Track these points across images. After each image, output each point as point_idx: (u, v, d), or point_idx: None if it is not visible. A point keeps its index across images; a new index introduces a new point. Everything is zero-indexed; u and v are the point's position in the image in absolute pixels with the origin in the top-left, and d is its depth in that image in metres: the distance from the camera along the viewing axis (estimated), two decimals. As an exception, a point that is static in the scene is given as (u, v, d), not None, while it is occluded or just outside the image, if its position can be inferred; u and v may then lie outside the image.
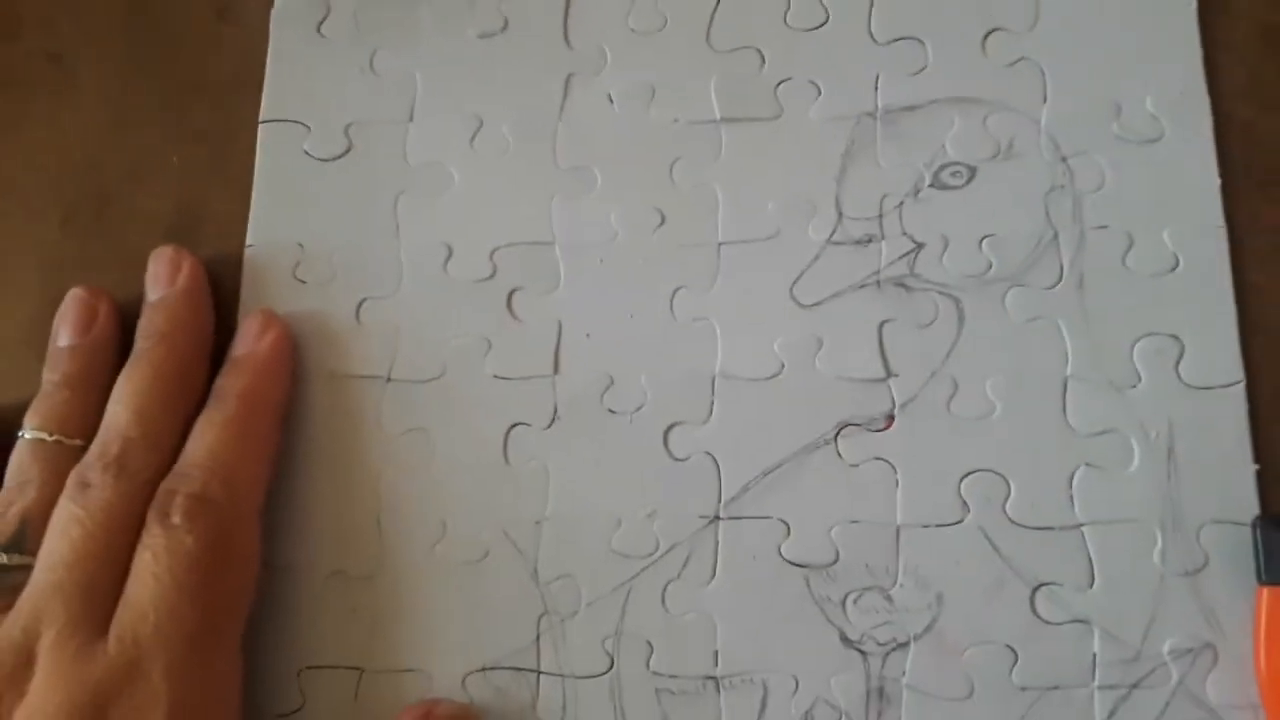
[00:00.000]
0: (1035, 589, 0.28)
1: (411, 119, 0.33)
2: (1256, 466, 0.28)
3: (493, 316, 0.31)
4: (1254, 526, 0.28)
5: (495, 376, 0.30)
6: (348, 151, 0.33)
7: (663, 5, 0.33)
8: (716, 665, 0.28)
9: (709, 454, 0.29)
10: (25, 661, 0.25)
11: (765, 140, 0.32)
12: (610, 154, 0.32)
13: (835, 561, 0.28)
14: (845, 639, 0.28)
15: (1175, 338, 0.29)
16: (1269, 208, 0.30)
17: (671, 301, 0.31)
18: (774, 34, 0.32)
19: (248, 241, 0.32)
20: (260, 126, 0.33)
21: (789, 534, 0.29)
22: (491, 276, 0.31)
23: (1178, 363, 0.29)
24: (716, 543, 0.29)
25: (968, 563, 0.28)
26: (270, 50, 0.34)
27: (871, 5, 0.32)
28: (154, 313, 0.30)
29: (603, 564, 0.29)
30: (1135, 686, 0.27)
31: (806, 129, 0.32)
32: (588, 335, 0.31)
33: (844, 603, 0.28)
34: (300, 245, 0.32)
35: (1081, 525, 0.28)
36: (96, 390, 0.29)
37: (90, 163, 0.34)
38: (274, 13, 0.34)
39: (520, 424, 0.30)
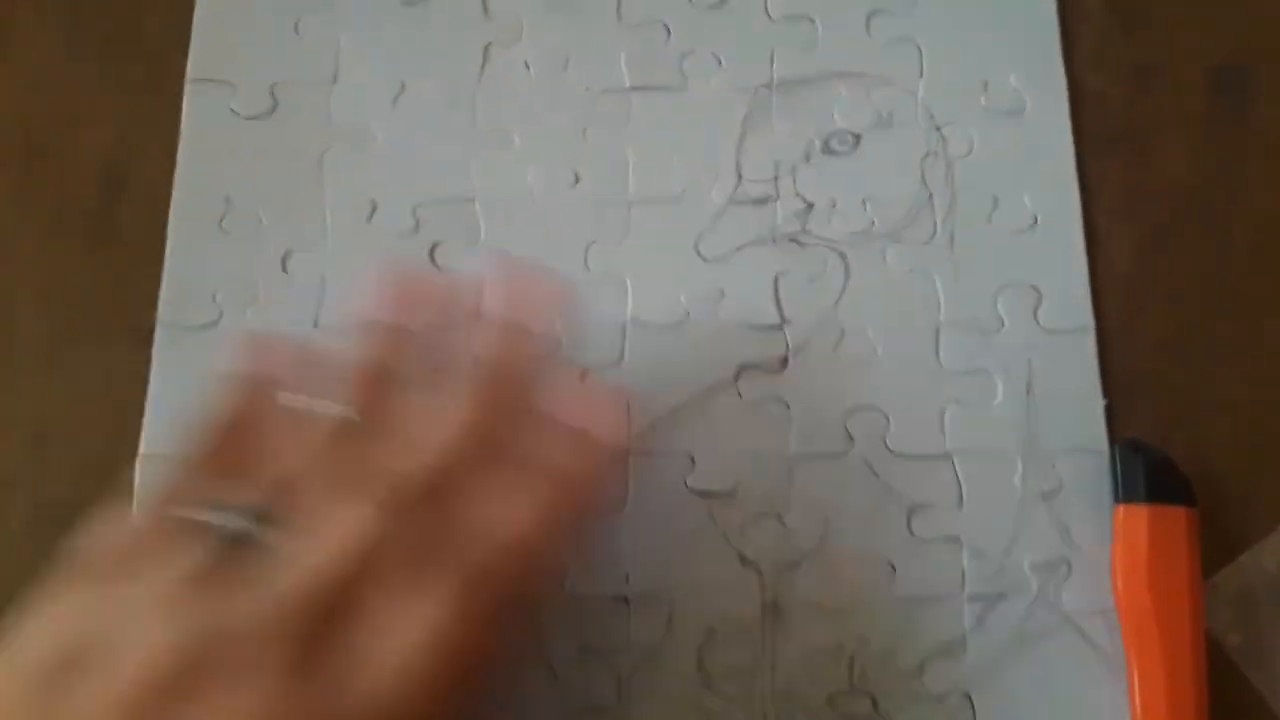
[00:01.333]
0: (911, 510, 0.31)
1: (335, 80, 0.34)
2: (1105, 401, 0.32)
3: (417, 268, 0.33)
4: (1113, 450, 0.31)
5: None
6: (273, 110, 0.34)
7: (576, -20, 0.35)
8: (627, 585, 0.30)
9: (620, 395, 0.32)
10: (231, 646, 0.21)
11: (671, 108, 0.34)
12: (527, 118, 0.34)
13: (735, 490, 0.31)
14: (743, 559, 0.30)
15: (1034, 288, 0.33)
16: (1116, 166, 0.34)
17: (585, 255, 0.33)
18: (679, 10, 0.35)
19: (174, 194, 0.33)
20: (187, 84, 0.34)
21: (694, 466, 0.31)
22: (415, 230, 0.33)
23: (1036, 310, 0.32)
24: (627, 475, 0.31)
25: (852, 489, 0.31)
26: (197, 10, 0.35)
27: (768, -14, 0.35)
28: (505, 340, 0.26)
29: (520, 496, 0.31)
30: (999, 597, 0.30)
31: (709, 98, 0.34)
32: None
33: (742, 527, 0.31)
34: (227, 199, 0.33)
35: (951, 454, 0.31)
36: (401, 382, 0.25)
37: (21, 114, 0.34)
38: (200, -26, 0.35)
39: (442, 368, 0.32)
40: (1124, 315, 0.32)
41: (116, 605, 0.22)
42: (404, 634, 0.22)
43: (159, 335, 0.32)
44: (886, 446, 0.31)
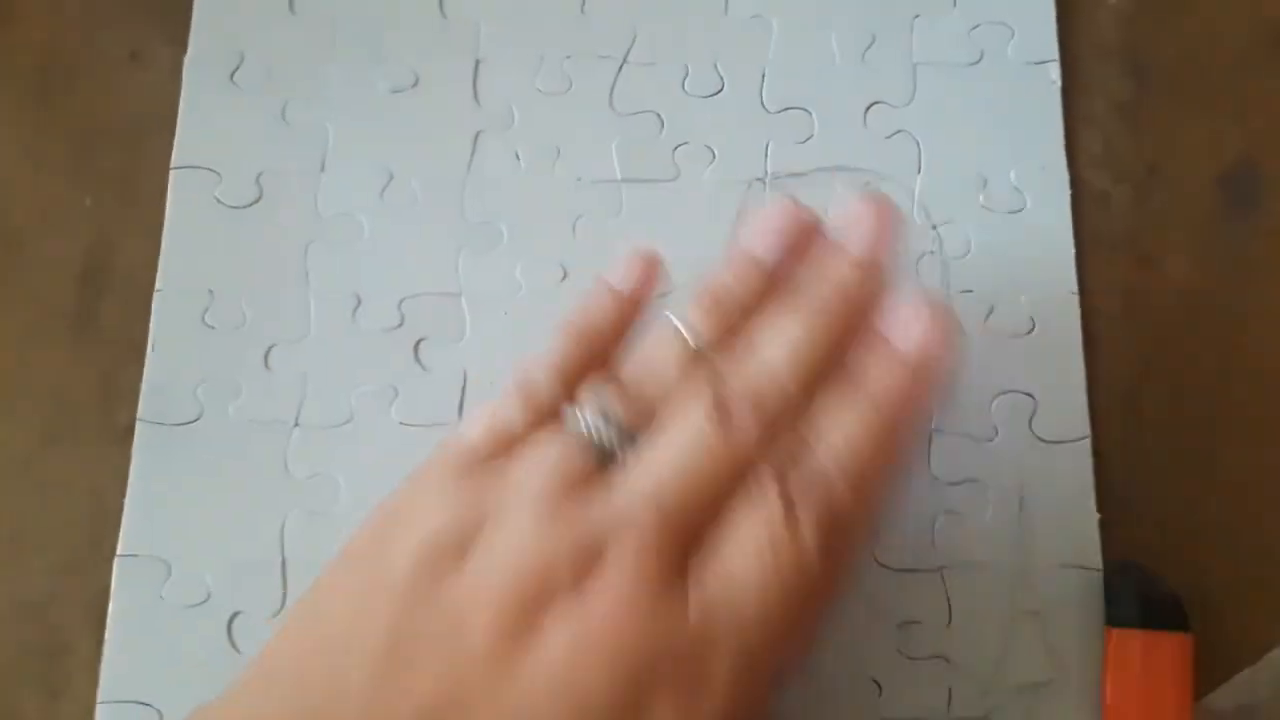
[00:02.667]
0: (899, 627, 0.30)
1: (323, 169, 0.34)
2: (1098, 515, 0.31)
3: (400, 365, 0.32)
4: (1105, 573, 0.30)
5: (401, 424, 0.32)
6: (259, 200, 0.34)
7: (568, 68, 0.35)
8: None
9: (604, 499, 0.31)
10: (595, 551, 0.23)
11: (663, 200, 0.34)
12: (516, 210, 0.34)
13: (719, 602, 0.30)
14: (726, 675, 0.30)
15: (1029, 395, 0.32)
16: (1118, 270, 0.33)
17: (572, 353, 0.32)
18: (672, 100, 0.34)
19: (157, 286, 0.33)
20: (171, 173, 0.34)
21: (677, 576, 0.31)
22: (399, 326, 0.33)
23: (1031, 418, 0.32)
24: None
25: (840, 602, 0.30)
26: (182, 97, 0.34)
27: (763, 76, 0.34)
28: (851, 267, 0.26)
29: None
30: (984, 718, 0.30)
31: (701, 191, 0.34)
32: (491, 384, 0.32)
33: (726, 641, 0.30)
34: (210, 291, 0.33)
35: (942, 568, 0.31)
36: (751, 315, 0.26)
37: (2, 205, 0.34)
38: (187, 60, 0.35)
39: (424, 469, 0.31)
40: (1121, 426, 0.32)
41: (498, 500, 0.24)
42: (759, 547, 0.23)
43: (139, 433, 0.31)
44: (875, 559, 0.31)
